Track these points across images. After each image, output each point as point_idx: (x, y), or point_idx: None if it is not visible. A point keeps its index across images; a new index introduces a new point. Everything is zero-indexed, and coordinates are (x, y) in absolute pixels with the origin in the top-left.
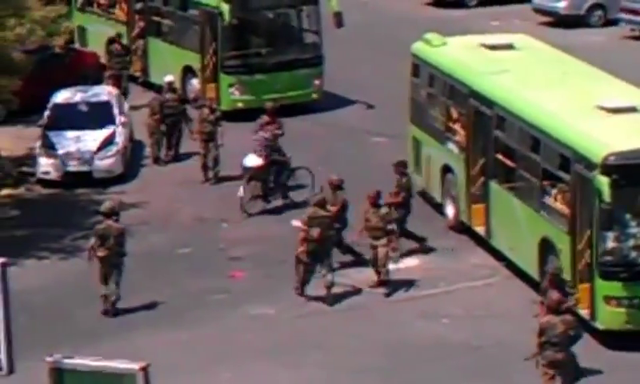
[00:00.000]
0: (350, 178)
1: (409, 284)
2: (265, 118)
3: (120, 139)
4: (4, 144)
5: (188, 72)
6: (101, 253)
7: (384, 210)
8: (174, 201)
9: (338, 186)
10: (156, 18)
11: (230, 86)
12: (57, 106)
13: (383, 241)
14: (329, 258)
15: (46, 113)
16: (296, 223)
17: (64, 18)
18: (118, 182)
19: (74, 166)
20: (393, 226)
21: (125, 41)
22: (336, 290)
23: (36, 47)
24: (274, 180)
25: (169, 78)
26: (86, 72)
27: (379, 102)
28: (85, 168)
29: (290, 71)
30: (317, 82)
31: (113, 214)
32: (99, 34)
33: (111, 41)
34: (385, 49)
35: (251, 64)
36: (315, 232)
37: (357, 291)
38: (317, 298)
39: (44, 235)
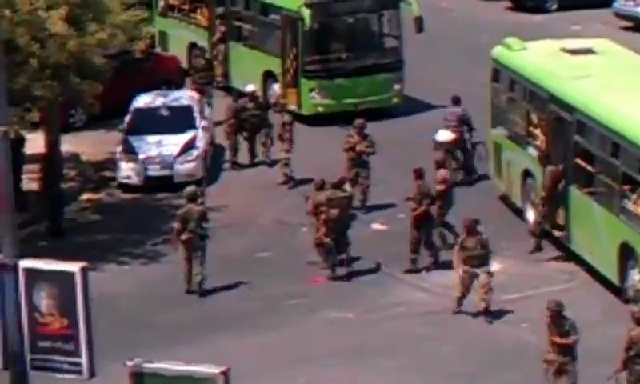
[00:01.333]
0: (431, 184)
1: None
2: (355, 137)
3: (201, 143)
4: (85, 149)
5: (269, 77)
6: (184, 236)
7: (484, 236)
8: (254, 205)
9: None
10: (237, 23)
11: (311, 90)
12: (138, 111)
13: (485, 268)
14: (346, 237)
15: (127, 117)
16: (377, 226)
17: (145, 22)
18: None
19: (154, 171)
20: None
21: (205, 45)
22: (415, 293)
23: (117, 52)
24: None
25: (250, 87)
26: (167, 76)
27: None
28: (165, 172)
29: (371, 76)
30: (397, 86)
31: (194, 198)
32: (180, 38)
33: (193, 45)
34: (465, 53)
35: (332, 68)
36: (334, 213)
37: (434, 294)
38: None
39: (125, 240)
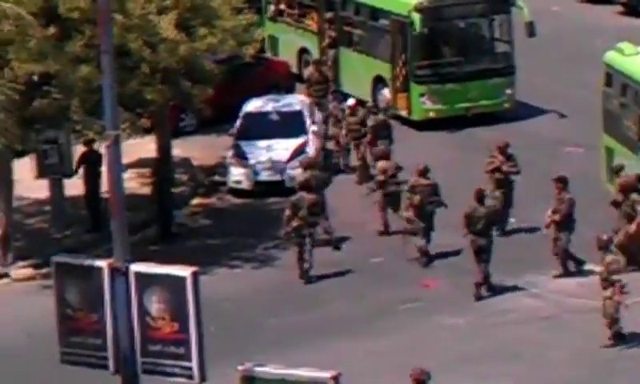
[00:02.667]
0: (545, 188)
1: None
2: (499, 157)
3: (311, 149)
4: (195, 153)
5: (379, 82)
6: (295, 223)
7: (609, 258)
8: (366, 210)
9: (564, 182)
10: (347, 28)
11: (421, 95)
12: (248, 115)
13: (608, 292)
14: (429, 222)
15: (238, 122)
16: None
17: (255, 27)
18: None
19: (265, 176)
20: (619, 276)
21: (315, 50)
22: (525, 298)
23: (227, 56)
24: None
25: (350, 101)
26: (277, 81)
27: (571, 112)
28: (276, 177)
29: (482, 80)
30: (508, 91)
31: (306, 186)
32: (290, 43)
33: (303, 50)
34: (577, 58)
35: (442, 73)
36: (416, 199)
37: (544, 300)
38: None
39: (236, 244)
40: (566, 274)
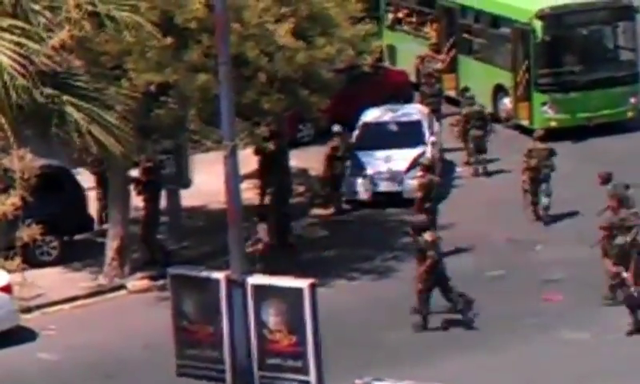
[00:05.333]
0: None
1: None
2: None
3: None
4: (313, 164)
5: (499, 90)
6: (427, 204)
7: None
8: (485, 222)
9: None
10: (467, 36)
11: (543, 104)
12: (366, 125)
13: None
14: (547, 184)
15: (356, 132)
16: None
17: (374, 36)
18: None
19: (384, 186)
20: None
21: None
22: None
23: (346, 66)
24: None
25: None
26: (395, 91)
27: None
28: (395, 188)
29: (605, 89)
30: (633, 100)
31: (432, 167)
32: (409, 52)
33: (423, 59)
34: None
35: (565, 82)
36: (533, 162)
37: None
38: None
39: (354, 256)
40: None
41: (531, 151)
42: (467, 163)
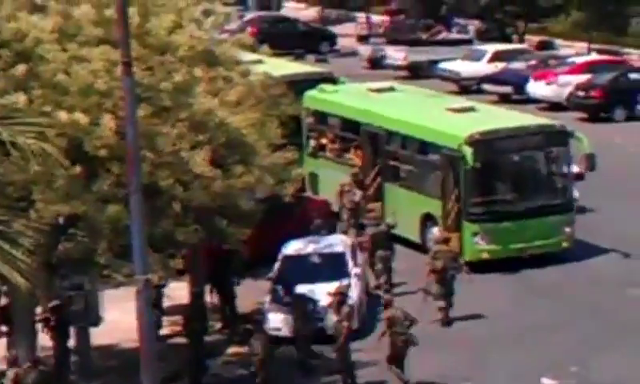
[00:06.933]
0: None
1: None
2: None
3: (355, 293)
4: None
5: (428, 220)
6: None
7: None
8: None
9: None
10: (393, 163)
11: (475, 234)
12: (287, 258)
13: None
14: (449, 288)
15: (276, 265)
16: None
17: (295, 164)
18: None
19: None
20: None
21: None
22: None
23: (266, 195)
24: None
25: None
26: (317, 221)
27: (637, 251)
28: (317, 325)
29: (539, 218)
30: (568, 229)
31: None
32: (331, 180)
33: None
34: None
35: (497, 211)
36: (439, 264)
37: None
38: None
39: None
40: None
41: (436, 253)
42: (377, 287)
